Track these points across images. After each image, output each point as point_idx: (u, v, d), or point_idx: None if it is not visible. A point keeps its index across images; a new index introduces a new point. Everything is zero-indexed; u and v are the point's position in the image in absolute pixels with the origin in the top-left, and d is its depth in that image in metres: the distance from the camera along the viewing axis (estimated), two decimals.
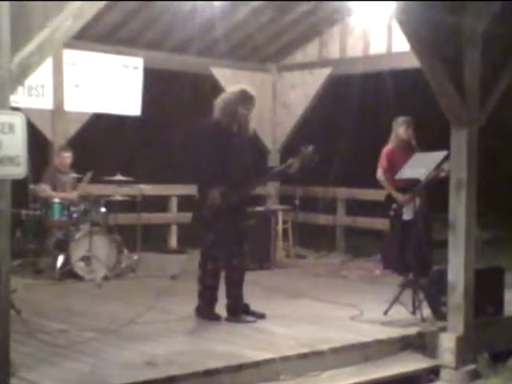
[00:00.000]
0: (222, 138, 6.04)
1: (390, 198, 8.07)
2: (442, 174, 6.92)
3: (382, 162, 8.18)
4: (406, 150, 7.77)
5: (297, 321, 6.24)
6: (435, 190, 7.23)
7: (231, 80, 10.46)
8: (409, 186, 7.22)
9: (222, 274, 6.24)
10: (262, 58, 11.44)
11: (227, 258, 6.19)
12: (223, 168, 6.02)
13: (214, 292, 6.22)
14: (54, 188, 8.58)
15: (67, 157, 8.73)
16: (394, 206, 7.93)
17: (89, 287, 7.65)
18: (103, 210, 8.43)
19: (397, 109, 9.36)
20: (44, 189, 8.49)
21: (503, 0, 5.87)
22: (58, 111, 9.51)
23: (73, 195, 8.50)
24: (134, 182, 8.88)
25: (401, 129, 8.17)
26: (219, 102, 6.16)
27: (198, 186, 6.19)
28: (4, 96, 3.99)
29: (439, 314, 6.31)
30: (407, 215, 7.58)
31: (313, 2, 9.86)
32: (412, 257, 6.80)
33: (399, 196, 7.87)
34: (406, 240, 7.32)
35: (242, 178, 6.11)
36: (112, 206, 8.62)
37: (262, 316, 6.26)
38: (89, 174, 8.46)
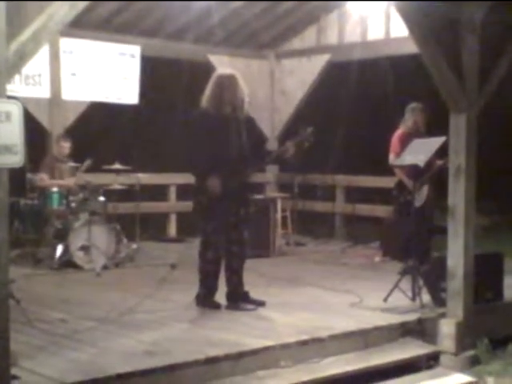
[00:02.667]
0: (213, 124, 6.01)
1: (400, 185, 7.99)
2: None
3: (395, 147, 7.98)
4: (416, 136, 7.64)
5: (296, 308, 6.24)
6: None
7: (228, 67, 10.40)
8: (420, 173, 7.13)
9: (223, 262, 6.24)
10: (259, 45, 11.39)
11: (227, 245, 6.18)
12: (220, 153, 6.00)
13: (214, 280, 6.21)
14: (52, 177, 8.57)
15: (66, 146, 8.71)
16: (405, 192, 7.85)
17: (88, 276, 7.64)
18: (102, 198, 8.42)
19: (395, 94, 9.32)
20: (42, 178, 8.48)
21: None
22: (55, 100, 9.49)
23: (70, 182, 8.48)
24: (132, 170, 8.87)
25: (419, 117, 8.09)
26: (205, 92, 6.16)
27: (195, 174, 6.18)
28: (0, 84, 3.96)
29: (439, 300, 6.31)
30: (418, 202, 7.53)
31: None
32: (417, 243, 6.76)
33: (411, 183, 7.79)
34: (416, 227, 7.25)
35: (240, 162, 6.09)
36: (111, 194, 8.60)
37: (261, 304, 6.25)
38: (87, 162, 8.43)
